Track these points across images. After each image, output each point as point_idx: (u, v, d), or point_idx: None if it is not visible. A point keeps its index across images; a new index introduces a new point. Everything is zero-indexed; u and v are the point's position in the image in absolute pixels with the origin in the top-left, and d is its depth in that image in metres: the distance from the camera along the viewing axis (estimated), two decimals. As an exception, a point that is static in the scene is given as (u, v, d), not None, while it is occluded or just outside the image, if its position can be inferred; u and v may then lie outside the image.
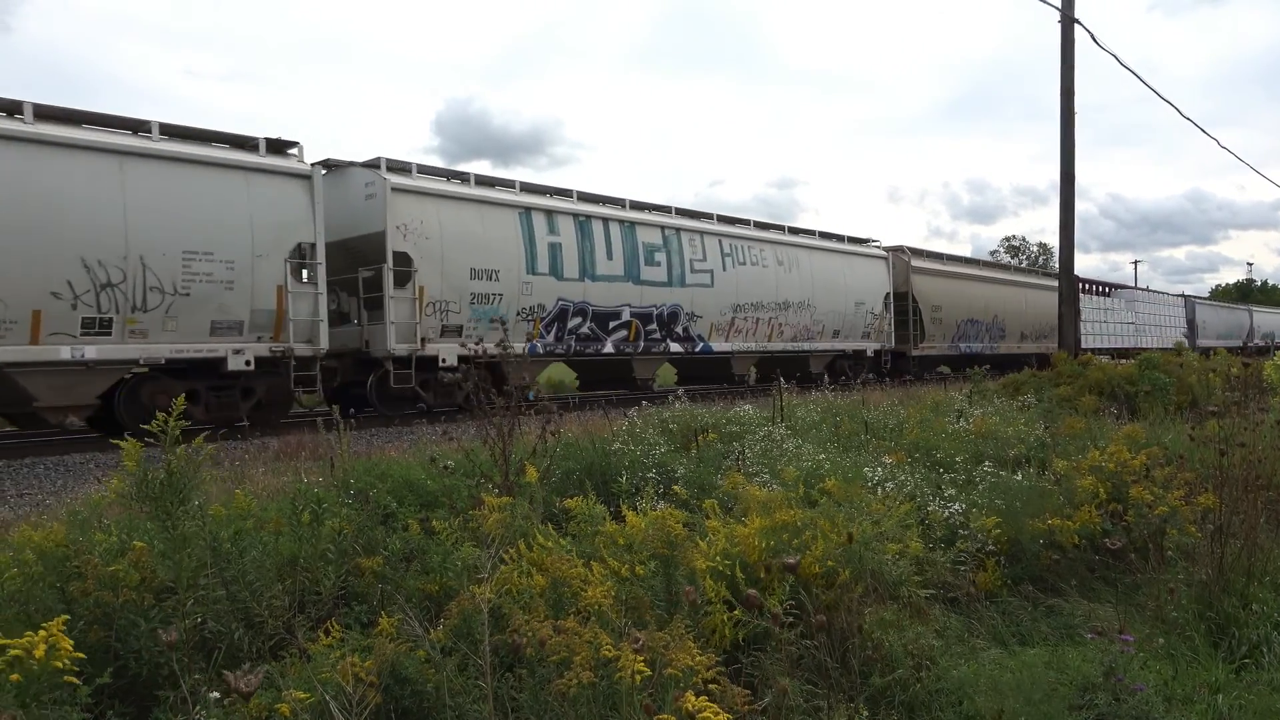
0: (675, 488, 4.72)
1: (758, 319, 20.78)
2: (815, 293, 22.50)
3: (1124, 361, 36.91)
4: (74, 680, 2.29)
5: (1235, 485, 4.32)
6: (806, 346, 22.42)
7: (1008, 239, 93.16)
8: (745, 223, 21.64)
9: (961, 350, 28.58)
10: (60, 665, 2.26)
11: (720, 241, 20.01)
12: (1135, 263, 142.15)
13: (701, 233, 19.60)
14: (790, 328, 21.82)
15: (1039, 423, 8.26)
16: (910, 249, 27.28)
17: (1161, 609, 4.07)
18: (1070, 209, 17.46)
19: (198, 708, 2.30)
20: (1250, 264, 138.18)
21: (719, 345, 19.76)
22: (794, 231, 23.20)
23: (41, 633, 2.28)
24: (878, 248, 25.99)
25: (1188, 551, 4.48)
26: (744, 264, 20.54)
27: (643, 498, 4.33)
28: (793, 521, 3.69)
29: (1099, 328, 36.76)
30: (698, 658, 2.35)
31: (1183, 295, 50.41)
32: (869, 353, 24.62)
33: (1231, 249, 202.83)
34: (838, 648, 3.33)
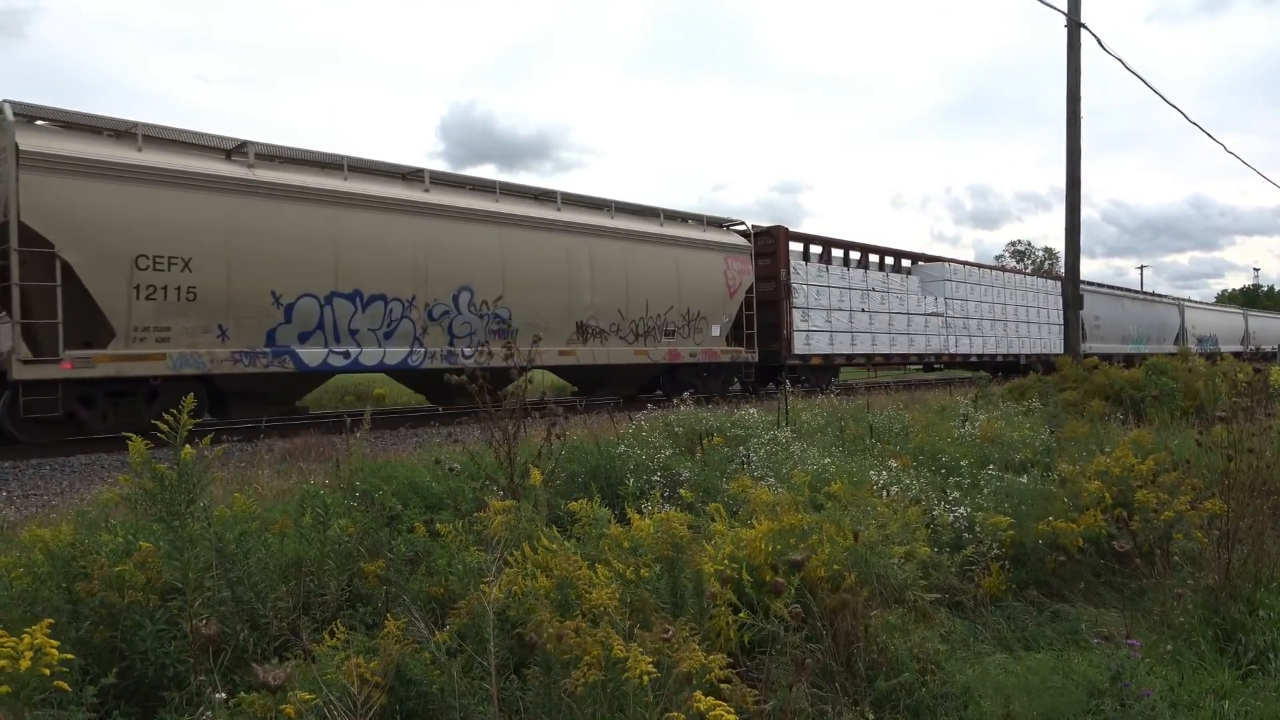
0: (681, 490, 4.72)
1: None
2: None
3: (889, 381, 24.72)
4: (63, 685, 2.24)
5: (1242, 491, 4.30)
6: None
7: (1013, 243, 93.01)
8: None
9: (309, 365, 12.34)
10: (47, 672, 2.20)
11: None
12: (1141, 268, 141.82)
13: None
14: None
15: (1045, 427, 8.25)
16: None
17: (1167, 614, 4.06)
18: (1076, 213, 17.44)
19: (203, 708, 2.30)
20: (1256, 269, 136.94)
21: None
22: None
23: (26, 639, 2.22)
24: None
25: (1194, 557, 4.47)
26: None
27: (649, 501, 4.33)
28: (799, 525, 3.69)
29: (843, 319, 22.51)
30: (712, 656, 2.35)
31: (1059, 278, 33.56)
32: None
33: (1236, 254, 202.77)
34: (843, 651, 3.33)
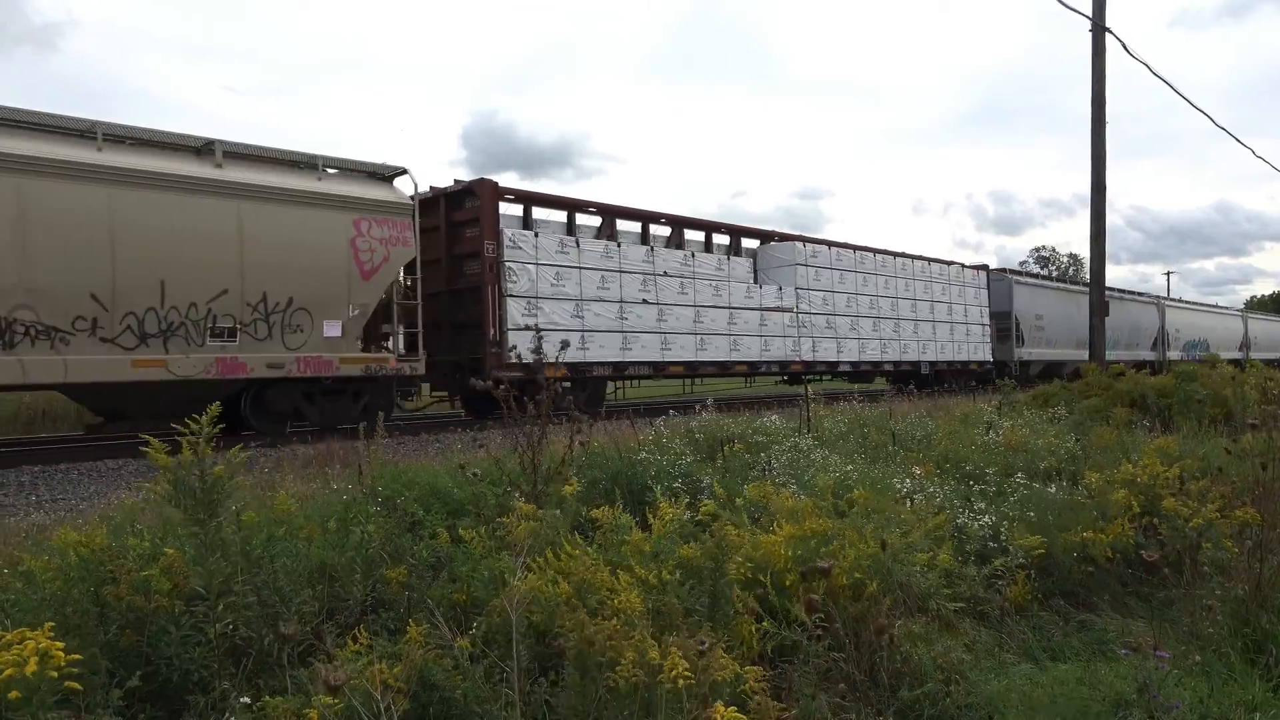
0: (711, 503, 4.70)
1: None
2: None
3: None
4: (75, 685, 2.22)
5: (1274, 499, 4.24)
6: None
7: (1036, 249, 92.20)
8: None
9: None
10: (55, 675, 2.16)
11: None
12: (1168, 274, 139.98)
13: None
14: None
15: (1070, 435, 8.18)
16: None
17: (1197, 625, 4.00)
18: (1101, 219, 17.29)
19: (227, 714, 2.32)
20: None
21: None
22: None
23: (30, 644, 2.18)
24: None
25: (1224, 566, 4.40)
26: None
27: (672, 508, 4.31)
28: (822, 531, 3.67)
29: (608, 315, 15.92)
30: (747, 668, 2.35)
31: (984, 268, 27.75)
32: None
33: (1265, 261, 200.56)
34: (866, 660, 3.30)
